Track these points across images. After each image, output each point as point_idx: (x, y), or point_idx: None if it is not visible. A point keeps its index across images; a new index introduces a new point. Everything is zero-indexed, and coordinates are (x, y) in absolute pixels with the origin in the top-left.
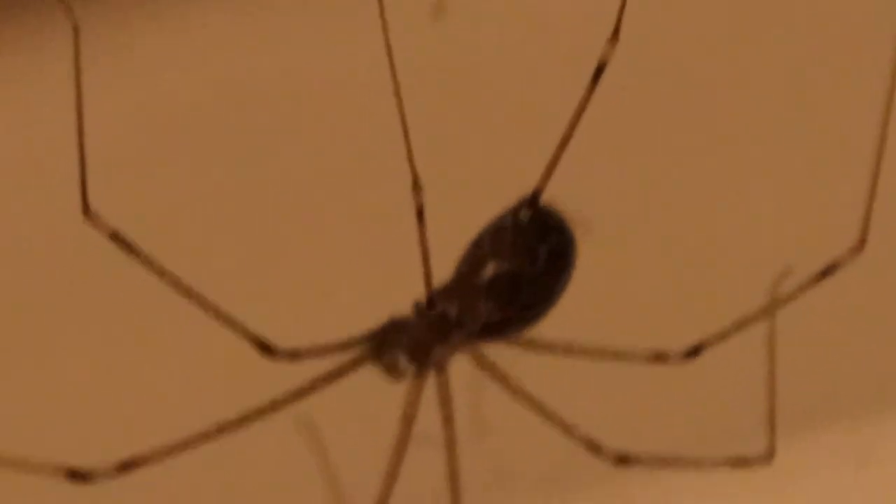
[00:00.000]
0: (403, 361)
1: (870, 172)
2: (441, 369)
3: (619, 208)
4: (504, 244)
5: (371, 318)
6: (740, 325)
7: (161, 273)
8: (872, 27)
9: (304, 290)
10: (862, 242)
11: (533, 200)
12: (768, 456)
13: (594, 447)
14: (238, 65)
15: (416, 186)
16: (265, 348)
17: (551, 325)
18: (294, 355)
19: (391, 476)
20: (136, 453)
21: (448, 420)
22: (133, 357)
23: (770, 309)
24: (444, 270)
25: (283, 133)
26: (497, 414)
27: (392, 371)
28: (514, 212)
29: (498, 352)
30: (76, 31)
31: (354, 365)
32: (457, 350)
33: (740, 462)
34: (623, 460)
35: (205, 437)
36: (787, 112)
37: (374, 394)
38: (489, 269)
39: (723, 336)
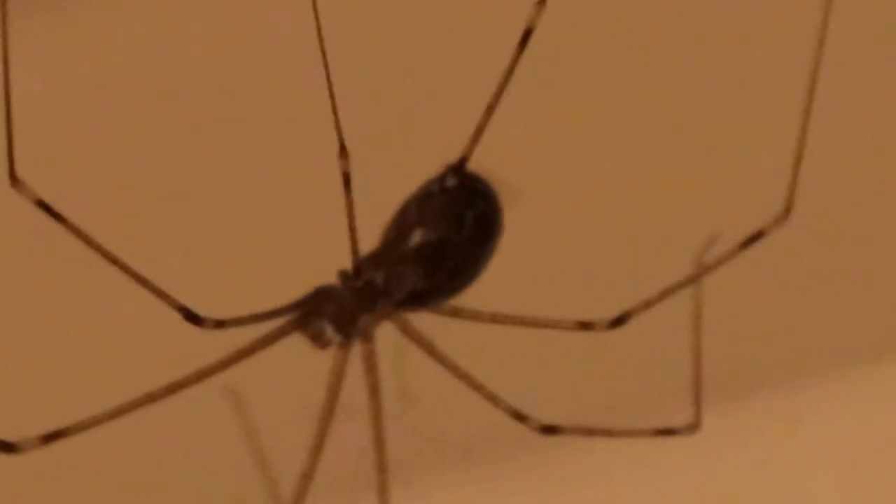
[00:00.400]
0: (329, 330)
1: (796, 140)
2: (367, 338)
3: (547, 175)
4: (431, 211)
5: (297, 287)
6: (666, 293)
7: (88, 242)
8: None
9: (231, 259)
10: (787, 210)
11: (459, 167)
12: (694, 425)
13: (520, 416)
14: (165, 30)
15: (343, 153)
16: (192, 317)
17: (478, 294)
18: (221, 324)
19: (317, 447)
20: (63, 425)
21: (374, 389)
22: (59, 327)
23: (695, 277)
24: (370, 238)
25: (210, 100)
26: (423, 384)
27: (318, 340)
28: (441, 179)
29: (424, 320)
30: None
31: (281, 334)
32: (383, 319)
33: (666, 432)
34: (549, 430)
35: (131, 406)
36: (714, 79)
37: (301, 363)
38: (416, 237)
39: (648, 304)
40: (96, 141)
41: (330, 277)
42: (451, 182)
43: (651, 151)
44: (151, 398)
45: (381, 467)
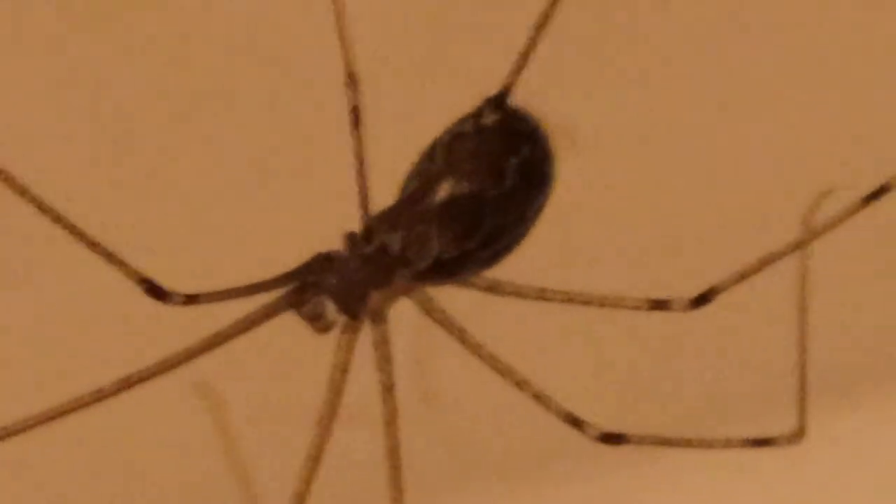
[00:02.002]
0: (331, 309)
1: None
2: (379, 319)
3: (610, 114)
4: (462, 157)
5: (291, 253)
6: (762, 264)
7: (24, 194)
8: None
9: (208, 220)
10: None
11: (499, 100)
12: (798, 433)
13: (576, 422)
14: None
15: (352, 80)
16: (155, 291)
17: (521, 264)
18: (192, 300)
19: (314, 458)
20: (13, 421)
21: (388, 386)
22: (13, 305)
23: (802, 242)
24: (385, 191)
25: (183, 18)
26: (450, 378)
27: (317, 321)
28: (476, 115)
29: (453, 297)
30: None
31: (269, 313)
32: (400, 294)
33: (762, 442)
34: (612, 438)
35: (78, 404)
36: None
37: (294, 350)
38: (443, 190)
39: (740, 278)
40: (57, 100)
41: (333, 242)
42: (489, 120)
43: (743, 86)
44: (105, 392)
45: (396, 484)
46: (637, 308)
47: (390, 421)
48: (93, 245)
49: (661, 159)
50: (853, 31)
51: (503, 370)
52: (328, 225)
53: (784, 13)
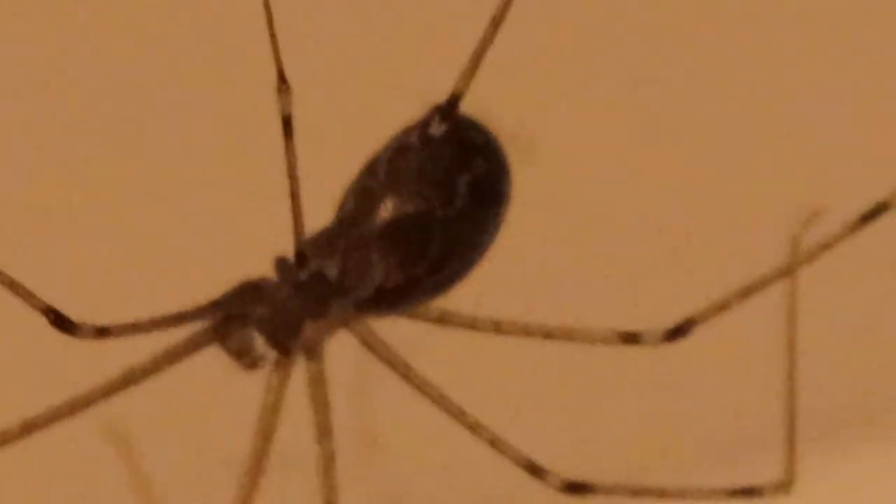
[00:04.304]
0: (260, 343)
1: None
2: (314, 354)
3: (573, 124)
4: (407, 173)
5: (215, 281)
6: (745, 292)
7: None
8: None
9: (122, 242)
10: None
11: (449, 109)
12: (787, 481)
13: (536, 470)
14: None
15: (282, 85)
16: (62, 323)
17: (473, 293)
18: (103, 333)
19: None
20: None
21: (324, 428)
22: None
23: (790, 268)
24: (320, 212)
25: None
26: (394, 420)
27: (244, 357)
28: (423, 125)
29: (397, 330)
30: None
31: (190, 348)
32: (338, 327)
33: (747, 492)
34: (576, 488)
35: None
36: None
37: (219, 390)
38: (385, 210)
39: (720, 309)
40: None
41: (263, 268)
42: (437, 130)
43: (725, 90)
44: (4, 437)
45: None
46: (605, 342)
47: (327, 468)
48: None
49: (631, 173)
50: (844, 43)
51: (454, 411)
52: (256, 249)
53: (769, 21)
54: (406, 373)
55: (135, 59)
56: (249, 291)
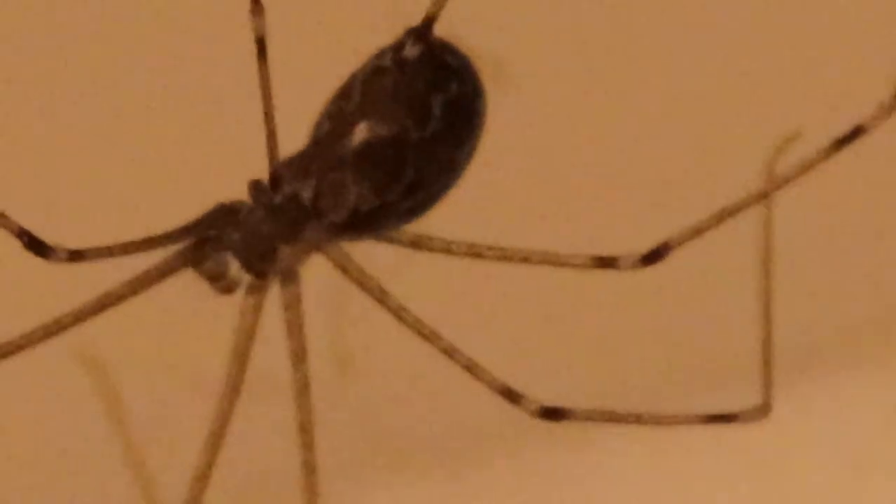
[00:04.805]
0: (235, 267)
1: None
2: (289, 278)
3: (548, 46)
4: (381, 95)
5: (189, 204)
6: (720, 217)
7: None
8: None
9: (96, 164)
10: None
11: (423, 31)
12: (764, 408)
13: (512, 395)
14: None
15: (256, 6)
16: (36, 246)
17: (448, 216)
18: (77, 256)
19: (216, 436)
20: None
21: (298, 354)
22: None
23: (765, 192)
24: (294, 134)
25: None
26: (369, 344)
27: (219, 281)
28: (397, 48)
29: (372, 253)
30: None
31: (164, 272)
32: (312, 250)
33: (722, 418)
34: (552, 413)
35: None
36: None
37: (193, 314)
38: (359, 133)
39: (695, 233)
40: None
41: (237, 191)
42: (411, 52)
43: (701, 13)
44: None
45: (309, 465)
46: (580, 266)
47: (302, 393)
48: None
49: (607, 97)
50: None
51: (429, 336)
52: (230, 172)
53: None
54: (381, 297)
55: None
56: (224, 215)
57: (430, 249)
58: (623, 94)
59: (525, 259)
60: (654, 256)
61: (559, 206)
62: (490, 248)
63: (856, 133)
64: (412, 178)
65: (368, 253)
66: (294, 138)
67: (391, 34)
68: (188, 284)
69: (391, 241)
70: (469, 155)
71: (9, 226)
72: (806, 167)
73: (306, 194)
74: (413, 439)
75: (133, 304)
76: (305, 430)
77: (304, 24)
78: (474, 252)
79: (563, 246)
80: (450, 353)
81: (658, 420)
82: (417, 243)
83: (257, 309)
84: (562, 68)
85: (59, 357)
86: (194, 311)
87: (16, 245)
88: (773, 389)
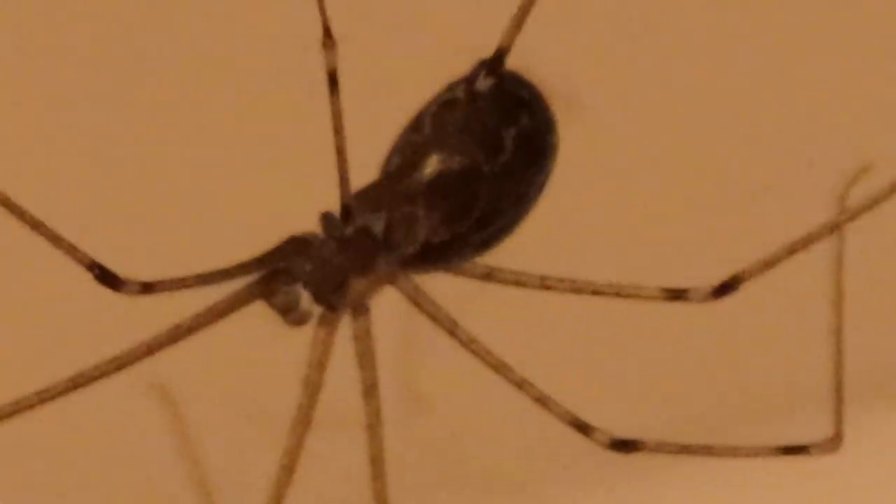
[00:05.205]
0: (306, 299)
1: None
2: (361, 310)
3: (621, 79)
4: (453, 128)
5: (260, 236)
6: (793, 248)
7: None
8: None
9: (168, 196)
10: None
11: (495, 63)
12: (835, 440)
13: (582, 426)
14: None
15: (328, 40)
16: (108, 278)
17: (520, 249)
18: (148, 288)
19: (287, 465)
20: None
21: (370, 384)
22: None
23: (837, 223)
24: (366, 167)
25: None
26: (441, 376)
27: (290, 313)
28: (470, 80)
29: (443, 286)
30: None
31: (236, 304)
32: (384, 283)
33: (795, 450)
34: (623, 445)
35: (29, 402)
36: None
37: (264, 346)
38: (431, 165)
39: (767, 265)
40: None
41: (309, 223)
42: (483, 85)
43: (774, 44)
44: (51, 392)
45: (380, 496)
46: (652, 298)
47: (373, 424)
48: (37, 226)
49: (680, 129)
50: None
51: (500, 368)
52: (302, 204)
53: None
54: (452, 329)
55: (183, 15)
56: (295, 247)
57: (501, 281)
58: (695, 126)
59: (596, 291)
60: (725, 288)
61: (631, 237)
62: (561, 279)
63: None
64: (483, 211)
65: (439, 285)
66: (365, 170)
67: (462, 67)
68: (260, 316)
69: (462, 273)
70: (541, 188)
71: (80, 258)
72: (878, 199)
73: (378, 227)
74: (483, 471)
75: (205, 335)
76: (377, 463)
77: (376, 57)
78: (545, 284)
79: (634, 278)
80: (520, 384)
81: (729, 452)
82: (488, 275)
83: (328, 341)
84: (632, 100)
85: (132, 389)
86: (266, 343)
87: (87, 277)
88: (845, 422)
